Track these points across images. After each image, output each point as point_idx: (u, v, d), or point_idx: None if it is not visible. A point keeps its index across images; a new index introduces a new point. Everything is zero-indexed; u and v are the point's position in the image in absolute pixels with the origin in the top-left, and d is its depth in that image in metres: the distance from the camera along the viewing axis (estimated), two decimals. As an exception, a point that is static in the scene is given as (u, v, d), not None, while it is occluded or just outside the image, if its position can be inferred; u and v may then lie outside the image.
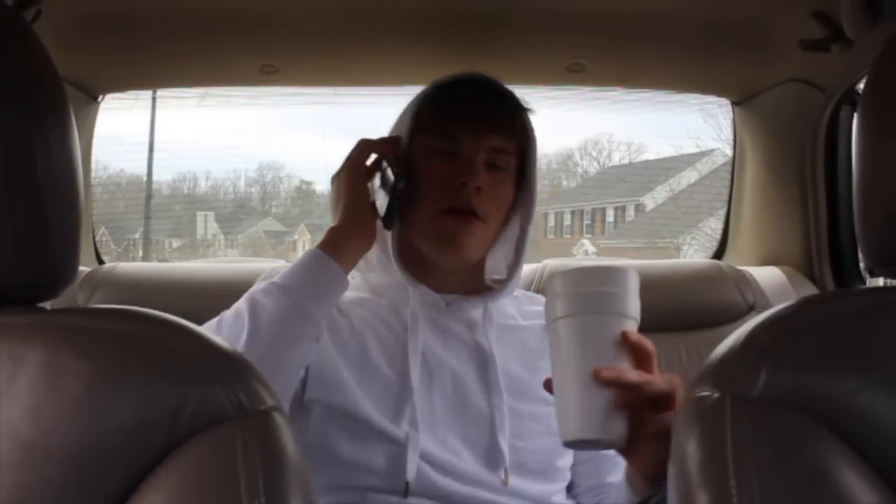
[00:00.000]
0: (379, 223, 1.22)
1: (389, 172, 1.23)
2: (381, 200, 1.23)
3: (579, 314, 0.91)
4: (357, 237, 1.20)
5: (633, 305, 0.93)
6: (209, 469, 0.63)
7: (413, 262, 1.24)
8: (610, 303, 0.91)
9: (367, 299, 1.28)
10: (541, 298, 1.25)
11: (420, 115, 1.25)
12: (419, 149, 1.23)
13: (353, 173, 1.22)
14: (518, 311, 1.32)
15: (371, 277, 1.30)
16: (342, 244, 1.18)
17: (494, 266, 1.28)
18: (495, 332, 1.25)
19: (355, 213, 1.20)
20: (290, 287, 1.11)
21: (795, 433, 0.63)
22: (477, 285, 1.27)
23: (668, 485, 0.68)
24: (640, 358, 0.92)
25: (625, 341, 0.91)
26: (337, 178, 1.24)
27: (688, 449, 0.65)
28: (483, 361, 1.23)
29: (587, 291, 0.92)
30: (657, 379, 0.92)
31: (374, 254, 1.26)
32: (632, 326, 0.93)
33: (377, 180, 1.25)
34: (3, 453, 0.63)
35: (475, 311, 1.26)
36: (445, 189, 1.19)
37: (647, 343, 0.93)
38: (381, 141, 1.26)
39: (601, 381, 0.88)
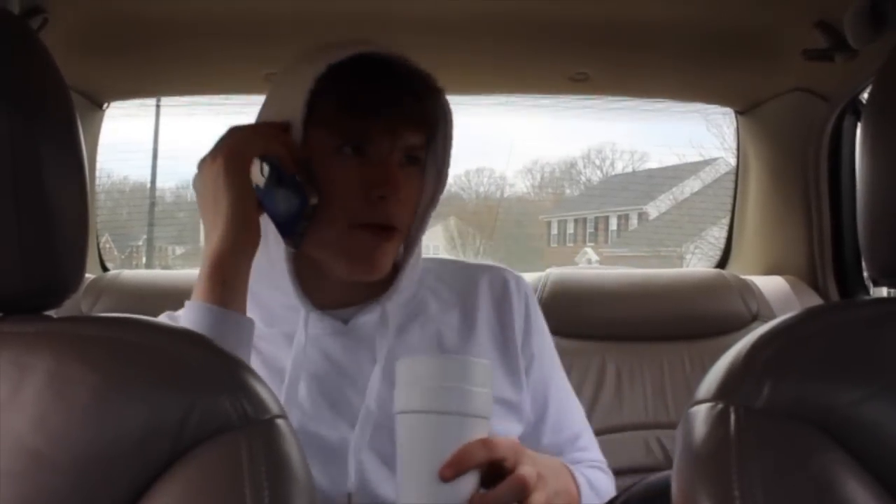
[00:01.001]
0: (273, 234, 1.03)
1: (279, 171, 1.02)
2: (269, 202, 1.03)
3: (424, 412, 0.84)
4: (246, 250, 1.01)
5: (481, 402, 0.85)
6: (215, 477, 0.63)
7: (305, 273, 1.07)
8: (456, 401, 0.83)
9: (258, 335, 1.07)
10: (466, 266, 1.21)
11: (317, 107, 1.02)
12: (317, 146, 1.04)
13: (235, 169, 1.02)
14: (433, 297, 1.16)
15: (256, 291, 1.07)
16: (231, 268, 1.00)
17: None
18: (401, 336, 1.11)
19: (244, 221, 1.01)
20: None
21: (800, 444, 0.62)
22: (376, 288, 1.10)
23: (671, 495, 0.67)
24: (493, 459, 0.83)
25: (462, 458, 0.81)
26: (206, 174, 1.05)
27: (692, 459, 0.65)
28: (384, 375, 1.06)
29: (431, 387, 0.84)
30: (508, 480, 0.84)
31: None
32: (481, 426, 0.85)
33: (256, 172, 1.03)
34: (9, 462, 0.63)
35: (372, 320, 1.10)
36: (359, 201, 1.02)
37: (499, 448, 0.84)
38: (270, 134, 1.04)
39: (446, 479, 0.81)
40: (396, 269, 1.11)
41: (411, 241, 1.12)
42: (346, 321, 1.10)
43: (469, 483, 0.82)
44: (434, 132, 1.10)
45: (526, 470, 0.86)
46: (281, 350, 1.08)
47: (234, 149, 1.03)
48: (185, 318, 1.00)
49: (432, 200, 1.13)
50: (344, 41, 1.05)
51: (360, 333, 1.10)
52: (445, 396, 0.83)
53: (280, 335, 1.10)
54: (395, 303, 1.11)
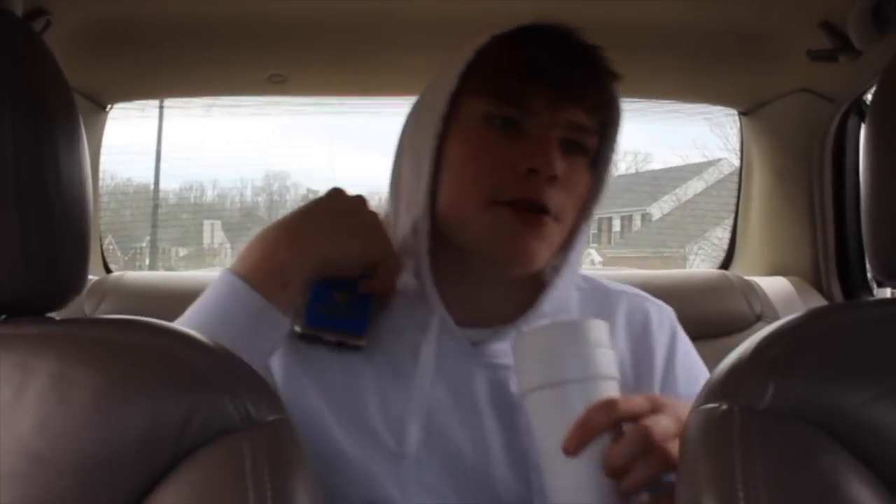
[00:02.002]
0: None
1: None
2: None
3: (546, 387, 0.78)
4: (325, 283, 0.92)
5: (603, 362, 0.79)
6: (218, 480, 0.63)
7: (442, 266, 0.94)
8: (575, 368, 0.78)
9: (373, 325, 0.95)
10: (607, 292, 1.06)
11: (474, 71, 0.91)
12: (468, 115, 0.92)
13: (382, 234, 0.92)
14: None
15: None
16: (302, 282, 0.89)
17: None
18: None
19: (355, 263, 0.91)
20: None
21: (804, 445, 0.62)
22: (520, 306, 0.97)
23: (676, 497, 0.67)
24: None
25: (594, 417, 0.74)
26: (356, 200, 0.93)
27: (696, 461, 0.65)
28: (512, 418, 0.93)
29: (547, 358, 0.79)
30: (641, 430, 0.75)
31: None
32: (608, 387, 0.79)
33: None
34: (11, 464, 0.63)
35: (510, 351, 0.90)
36: (507, 174, 0.89)
37: (627, 405, 0.76)
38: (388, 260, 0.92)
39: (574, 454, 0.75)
40: (542, 286, 0.98)
41: (567, 251, 0.97)
42: (475, 343, 0.96)
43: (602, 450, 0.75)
44: (605, 123, 0.96)
45: (652, 420, 0.75)
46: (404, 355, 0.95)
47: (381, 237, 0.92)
48: (220, 293, 0.89)
49: (590, 205, 0.98)
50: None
51: (488, 361, 0.96)
52: (564, 364, 0.78)
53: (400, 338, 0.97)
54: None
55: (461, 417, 0.93)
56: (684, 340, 1.08)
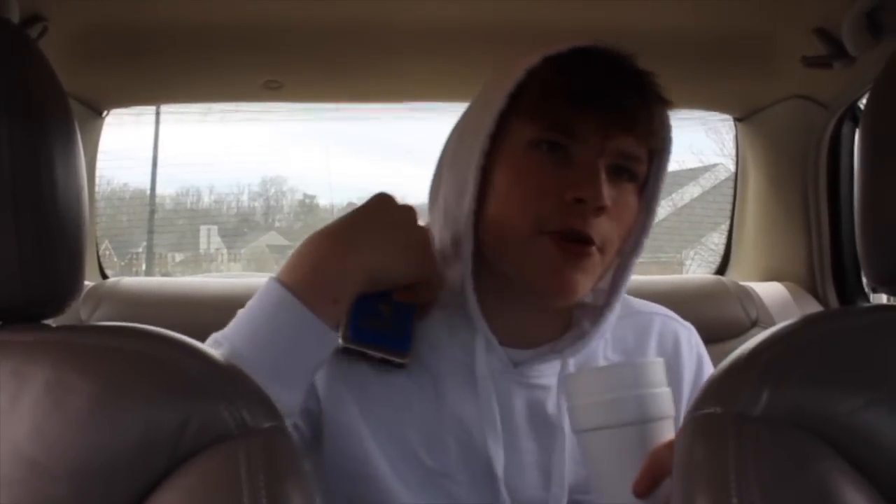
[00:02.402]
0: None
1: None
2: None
3: (603, 428, 0.79)
4: (379, 298, 0.89)
5: (660, 403, 0.80)
6: (213, 487, 0.62)
7: (483, 285, 0.92)
8: (634, 411, 0.78)
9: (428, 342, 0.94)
10: (639, 312, 1.06)
11: (523, 93, 0.89)
12: (515, 139, 0.89)
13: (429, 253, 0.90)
14: (606, 347, 1.01)
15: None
16: (351, 296, 0.87)
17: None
18: None
19: (407, 277, 0.89)
20: (245, 356, 0.81)
21: (798, 452, 0.62)
22: (556, 328, 0.98)
23: (670, 503, 0.67)
24: None
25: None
26: (406, 210, 0.91)
27: (690, 467, 0.65)
28: (549, 439, 0.93)
29: (605, 399, 0.79)
30: None
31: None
32: (665, 427, 0.79)
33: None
34: (6, 471, 0.63)
35: (552, 370, 0.95)
36: (553, 203, 0.86)
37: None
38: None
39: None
40: (582, 305, 0.98)
41: (616, 279, 0.96)
42: (515, 363, 0.95)
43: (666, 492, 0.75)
44: (656, 151, 0.94)
45: None
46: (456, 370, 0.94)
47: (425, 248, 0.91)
48: (268, 305, 0.86)
49: (641, 234, 0.96)
50: (567, 37, 0.92)
51: (527, 381, 0.95)
52: (623, 406, 0.78)
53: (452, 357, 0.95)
54: (579, 355, 0.95)
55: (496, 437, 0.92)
56: (708, 363, 1.07)
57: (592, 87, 0.88)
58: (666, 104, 0.93)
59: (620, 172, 0.90)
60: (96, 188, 2.17)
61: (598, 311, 0.97)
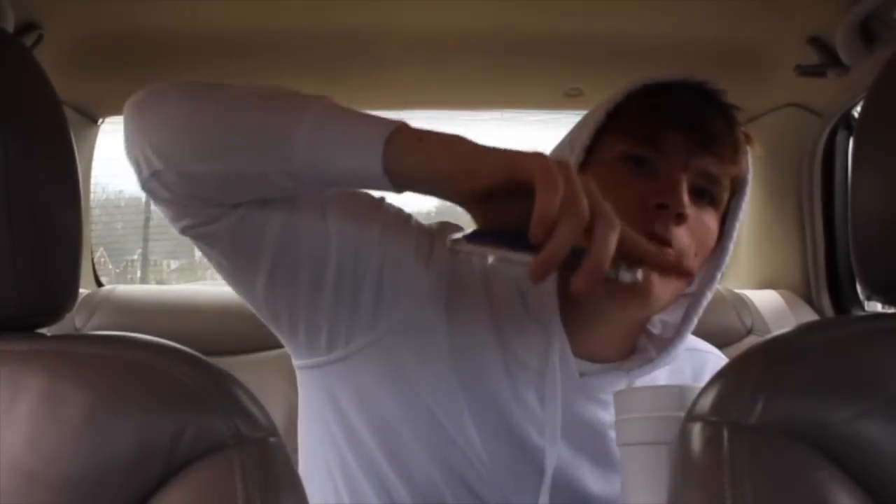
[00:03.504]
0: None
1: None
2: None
3: (643, 444, 0.81)
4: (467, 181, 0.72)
5: None
6: (208, 496, 0.62)
7: (561, 297, 0.94)
8: (673, 431, 0.77)
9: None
10: (696, 349, 1.09)
11: (616, 112, 0.94)
12: (606, 151, 0.94)
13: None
14: (668, 377, 1.03)
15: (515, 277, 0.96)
16: (436, 159, 0.73)
17: (657, 324, 1.03)
18: None
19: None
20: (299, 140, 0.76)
21: (793, 461, 0.62)
22: (623, 348, 1.00)
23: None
24: None
25: None
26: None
27: (686, 475, 0.65)
28: (610, 463, 0.96)
29: (650, 417, 0.81)
30: None
31: None
32: None
33: None
34: (1, 481, 0.62)
35: (614, 388, 0.93)
36: (637, 209, 0.88)
37: None
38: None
39: None
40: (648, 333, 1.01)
41: (688, 315, 0.99)
42: (581, 374, 0.96)
43: None
44: (735, 179, 0.97)
45: None
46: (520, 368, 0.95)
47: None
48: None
49: (717, 267, 0.99)
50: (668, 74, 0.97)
51: (588, 393, 0.96)
52: (665, 425, 0.79)
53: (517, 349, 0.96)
54: (645, 375, 0.97)
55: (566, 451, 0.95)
56: None
57: (679, 107, 0.93)
58: (749, 140, 0.99)
59: (702, 195, 0.94)
60: (91, 195, 2.17)
61: (664, 341, 1.00)
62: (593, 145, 0.94)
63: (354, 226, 0.91)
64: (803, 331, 0.72)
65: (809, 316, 1.87)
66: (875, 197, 0.72)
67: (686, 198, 0.89)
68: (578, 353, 0.96)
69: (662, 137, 0.91)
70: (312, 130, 0.76)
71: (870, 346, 0.68)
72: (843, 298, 1.89)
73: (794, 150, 1.87)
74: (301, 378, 0.99)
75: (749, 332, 1.82)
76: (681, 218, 0.88)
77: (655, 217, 0.88)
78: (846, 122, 1.79)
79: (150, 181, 0.84)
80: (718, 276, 1.00)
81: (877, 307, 0.94)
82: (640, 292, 0.89)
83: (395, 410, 0.92)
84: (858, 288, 1.86)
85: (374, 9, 1.47)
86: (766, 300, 1.91)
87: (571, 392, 0.95)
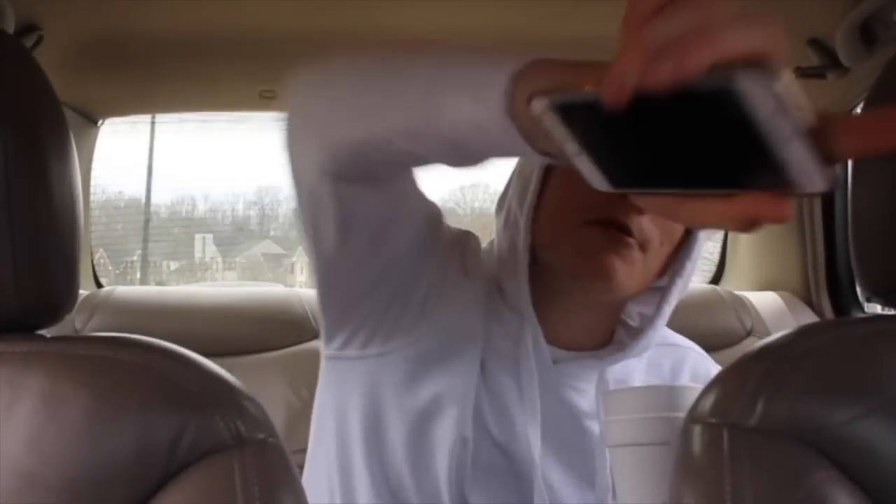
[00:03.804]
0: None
1: None
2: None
3: (632, 445, 0.81)
4: None
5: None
6: (208, 497, 0.62)
7: (535, 285, 0.96)
8: (663, 432, 0.80)
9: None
10: (677, 345, 1.10)
11: None
12: None
13: None
14: (644, 370, 1.04)
15: (498, 273, 0.99)
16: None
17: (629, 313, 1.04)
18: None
19: None
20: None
21: (793, 463, 0.62)
22: (598, 338, 1.02)
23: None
24: None
25: None
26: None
27: (686, 478, 0.65)
28: (580, 439, 0.97)
29: (640, 418, 0.81)
30: None
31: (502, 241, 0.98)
32: None
33: None
34: (1, 482, 0.62)
35: (587, 376, 0.98)
36: (599, 196, 0.77)
37: None
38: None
39: None
40: (616, 312, 1.02)
41: (660, 304, 0.99)
42: (555, 361, 0.98)
43: None
44: None
45: None
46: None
47: None
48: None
49: (687, 257, 0.98)
50: None
51: (562, 381, 0.98)
52: (654, 426, 0.80)
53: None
54: (617, 363, 0.99)
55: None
56: None
57: None
58: None
59: None
60: (91, 197, 2.18)
61: (639, 331, 1.01)
62: None
63: (431, 234, 0.94)
64: (803, 333, 0.72)
65: (809, 317, 1.87)
66: (875, 199, 0.72)
67: None
68: (552, 341, 0.97)
69: None
70: (428, 80, 0.65)
71: (869, 347, 0.68)
72: (842, 300, 1.89)
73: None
74: (326, 367, 1.02)
75: (748, 333, 1.83)
76: (647, 215, 0.89)
77: (616, 205, 0.88)
78: (846, 124, 1.79)
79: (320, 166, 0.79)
80: (689, 266, 0.99)
81: (876, 309, 0.94)
82: (601, 275, 0.90)
83: (420, 407, 0.94)
84: (858, 289, 1.86)
85: (374, 9, 1.47)
86: (765, 302, 1.91)
87: (546, 378, 0.96)
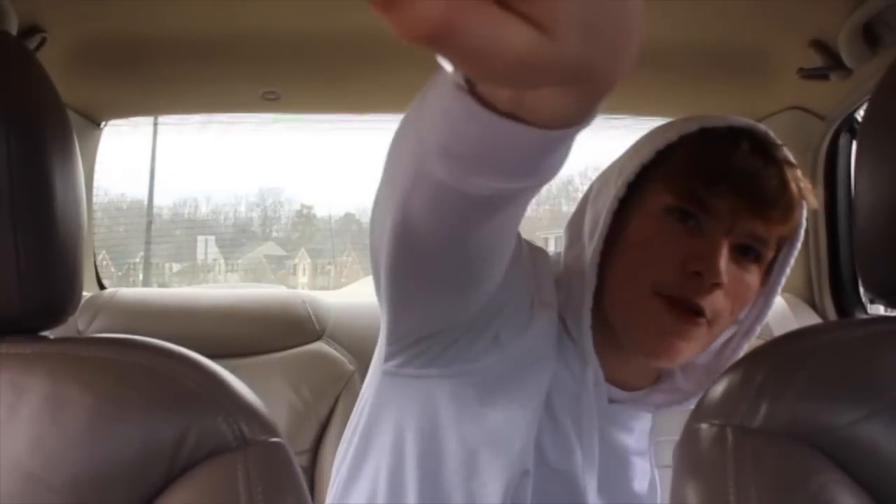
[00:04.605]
0: None
1: None
2: None
3: None
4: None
5: None
6: (211, 498, 0.62)
7: (595, 324, 0.94)
8: None
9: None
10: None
11: (667, 159, 0.90)
12: (652, 198, 0.91)
13: None
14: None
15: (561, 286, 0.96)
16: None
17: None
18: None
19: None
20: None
21: (797, 464, 0.62)
22: (653, 377, 1.01)
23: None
24: None
25: None
26: None
27: (689, 481, 0.65)
28: (631, 486, 0.97)
29: None
30: None
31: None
32: None
33: None
34: (5, 483, 0.63)
35: (640, 416, 0.99)
36: (673, 270, 0.88)
37: None
38: None
39: None
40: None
41: (724, 354, 0.99)
42: (611, 400, 0.97)
43: None
44: (785, 236, 0.95)
45: None
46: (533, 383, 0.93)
47: None
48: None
49: (757, 318, 0.98)
50: (725, 116, 0.93)
51: (616, 419, 0.98)
52: None
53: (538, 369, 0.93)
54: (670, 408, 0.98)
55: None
56: None
57: (733, 167, 0.89)
58: (804, 197, 0.93)
59: (747, 252, 0.91)
60: (94, 199, 2.18)
61: (694, 370, 1.00)
62: (639, 181, 0.91)
63: (510, 269, 0.87)
64: (806, 334, 0.72)
65: (812, 319, 1.87)
66: (878, 200, 0.72)
67: (723, 265, 0.86)
68: (609, 379, 0.96)
69: (711, 200, 0.88)
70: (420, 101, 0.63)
71: (872, 349, 0.68)
72: (845, 302, 1.89)
73: (796, 153, 1.85)
74: (383, 382, 0.97)
75: (752, 335, 1.82)
76: (715, 287, 0.87)
77: (691, 282, 0.87)
78: (849, 125, 1.79)
79: None
80: (758, 328, 0.98)
81: (880, 310, 0.94)
82: (665, 355, 0.89)
83: (480, 434, 0.91)
84: (861, 291, 1.85)
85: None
86: (768, 303, 1.90)
87: (601, 418, 0.95)
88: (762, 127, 0.93)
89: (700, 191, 0.88)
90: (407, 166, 0.63)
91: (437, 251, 0.70)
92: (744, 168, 0.88)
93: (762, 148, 0.91)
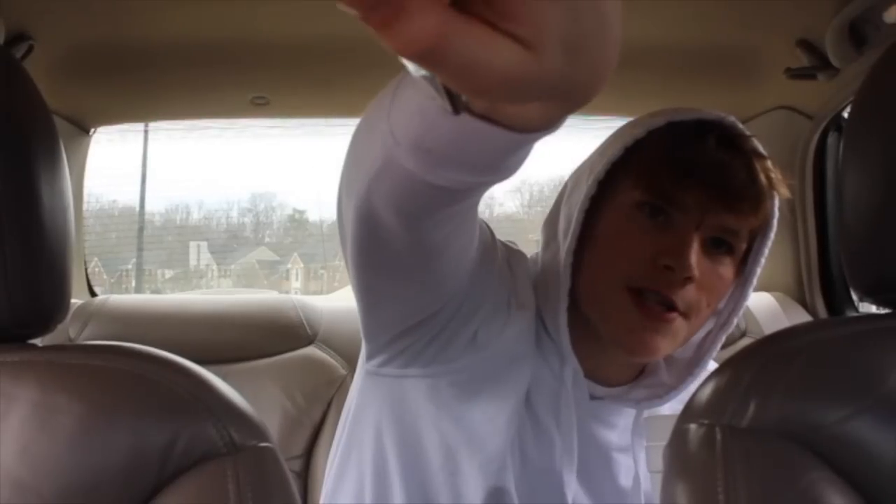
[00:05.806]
0: None
1: None
2: None
3: None
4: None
5: None
6: None
7: (572, 320, 0.94)
8: None
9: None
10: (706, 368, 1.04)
11: (638, 150, 0.90)
12: (621, 194, 0.91)
13: None
14: (678, 402, 0.98)
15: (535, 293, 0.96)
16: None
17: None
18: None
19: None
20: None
21: (786, 462, 0.63)
22: (634, 372, 1.01)
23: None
24: None
25: None
26: None
27: (679, 481, 0.65)
28: (615, 482, 0.97)
29: None
30: None
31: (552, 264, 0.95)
32: None
33: None
34: (-7, 492, 0.62)
35: (622, 412, 0.99)
36: (644, 265, 0.88)
37: None
38: None
39: None
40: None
41: (704, 348, 0.99)
42: (592, 397, 0.98)
43: None
44: (760, 228, 0.96)
45: None
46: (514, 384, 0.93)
47: None
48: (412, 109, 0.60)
49: (734, 310, 0.98)
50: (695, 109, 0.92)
51: (597, 415, 0.97)
52: None
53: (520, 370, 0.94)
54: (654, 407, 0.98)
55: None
56: None
57: (700, 161, 0.89)
58: (775, 188, 0.94)
59: (719, 245, 0.92)
60: (85, 205, 2.17)
61: (677, 363, 1.00)
62: (609, 178, 0.91)
63: (482, 268, 0.89)
64: (794, 332, 0.73)
65: (803, 317, 1.87)
66: (863, 198, 0.72)
67: (693, 259, 0.87)
68: (589, 375, 0.96)
69: (679, 194, 0.89)
70: (392, 101, 0.64)
71: (861, 347, 0.69)
72: (836, 300, 1.89)
73: (785, 152, 1.88)
74: (366, 382, 0.98)
75: (743, 334, 1.83)
76: (687, 280, 0.87)
77: (662, 276, 0.87)
78: (837, 124, 1.79)
79: None
80: (734, 320, 0.99)
81: (870, 308, 0.95)
82: (642, 351, 0.90)
83: (458, 433, 0.92)
84: (851, 289, 1.86)
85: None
86: (759, 302, 1.91)
87: (582, 414, 0.96)
88: (731, 119, 0.93)
89: (668, 185, 0.89)
90: (375, 157, 0.64)
91: (397, 236, 0.71)
92: (711, 161, 0.89)
93: (729, 140, 0.91)
